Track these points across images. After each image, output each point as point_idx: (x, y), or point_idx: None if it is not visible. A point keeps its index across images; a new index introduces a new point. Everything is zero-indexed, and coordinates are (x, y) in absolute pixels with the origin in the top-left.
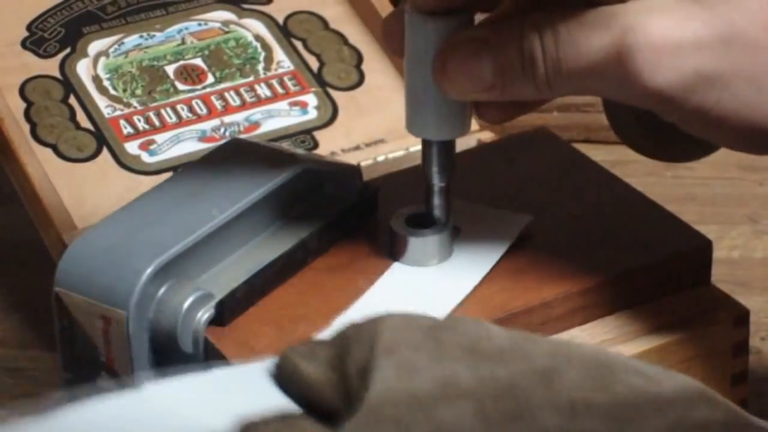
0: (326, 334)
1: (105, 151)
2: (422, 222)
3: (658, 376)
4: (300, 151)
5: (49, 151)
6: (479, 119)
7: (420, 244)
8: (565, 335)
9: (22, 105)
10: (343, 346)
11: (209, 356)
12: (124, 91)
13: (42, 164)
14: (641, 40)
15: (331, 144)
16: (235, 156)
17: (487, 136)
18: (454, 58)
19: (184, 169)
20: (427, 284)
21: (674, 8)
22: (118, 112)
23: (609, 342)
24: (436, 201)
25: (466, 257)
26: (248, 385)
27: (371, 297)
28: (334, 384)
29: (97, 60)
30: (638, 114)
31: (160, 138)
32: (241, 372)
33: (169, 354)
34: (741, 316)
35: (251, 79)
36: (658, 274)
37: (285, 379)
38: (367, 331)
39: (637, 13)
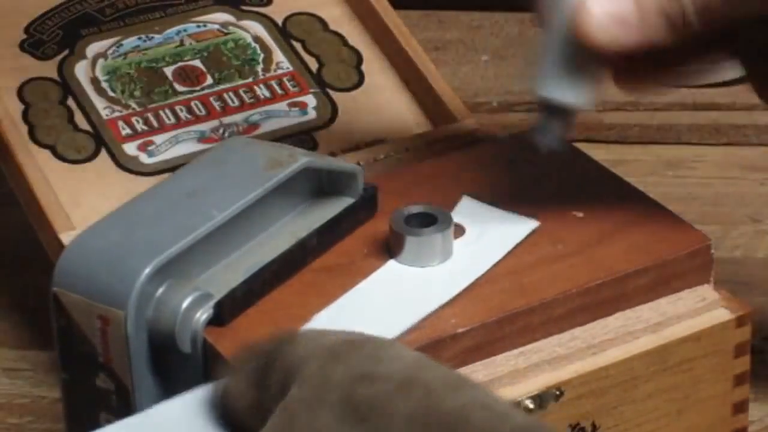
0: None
1: (103, 153)
2: (422, 221)
3: None
4: (300, 150)
5: (47, 153)
6: (617, 85)
7: (420, 243)
8: (566, 335)
9: (20, 107)
10: (263, 364)
11: (208, 357)
12: (123, 92)
13: (40, 166)
14: None
15: (330, 144)
16: (233, 155)
17: (488, 136)
18: (597, 4)
19: (182, 168)
20: (418, 283)
21: None
22: (116, 114)
23: (609, 342)
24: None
25: (465, 258)
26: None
27: (357, 292)
28: (256, 404)
29: (95, 62)
30: None
31: (158, 139)
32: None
33: (168, 354)
34: (743, 316)
35: (250, 80)
36: (659, 273)
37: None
38: (284, 352)
39: None
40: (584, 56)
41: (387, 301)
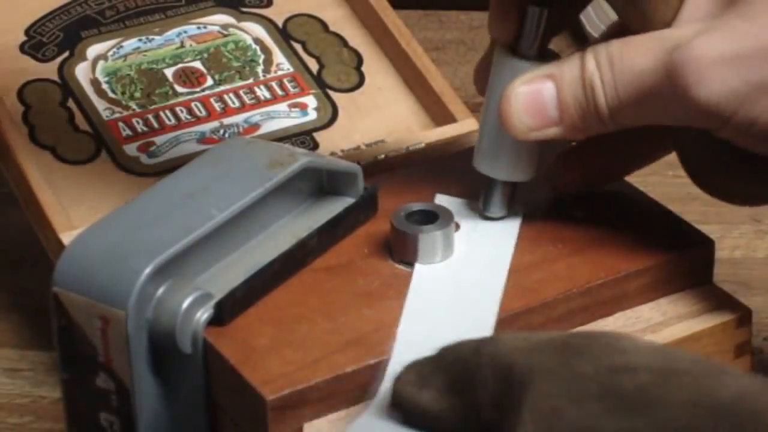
0: (412, 355)
1: (104, 153)
2: (424, 219)
3: None
4: (300, 150)
5: (47, 154)
6: (556, 188)
7: (423, 240)
8: None
9: (21, 108)
10: (459, 371)
11: (208, 356)
12: (123, 94)
13: (40, 166)
14: (687, 55)
15: (330, 145)
16: (234, 155)
17: None
18: (519, 92)
19: (182, 168)
20: (458, 281)
21: (718, 25)
22: (116, 115)
23: None
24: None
25: (481, 251)
26: None
27: (414, 307)
28: (460, 411)
29: (95, 63)
30: (713, 155)
31: (159, 140)
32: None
33: (168, 354)
34: (743, 317)
35: (250, 81)
36: (660, 273)
37: (405, 413)
38: (490, 353)
39: (683, 33)
40: (514, 140)
41: (447, 307)
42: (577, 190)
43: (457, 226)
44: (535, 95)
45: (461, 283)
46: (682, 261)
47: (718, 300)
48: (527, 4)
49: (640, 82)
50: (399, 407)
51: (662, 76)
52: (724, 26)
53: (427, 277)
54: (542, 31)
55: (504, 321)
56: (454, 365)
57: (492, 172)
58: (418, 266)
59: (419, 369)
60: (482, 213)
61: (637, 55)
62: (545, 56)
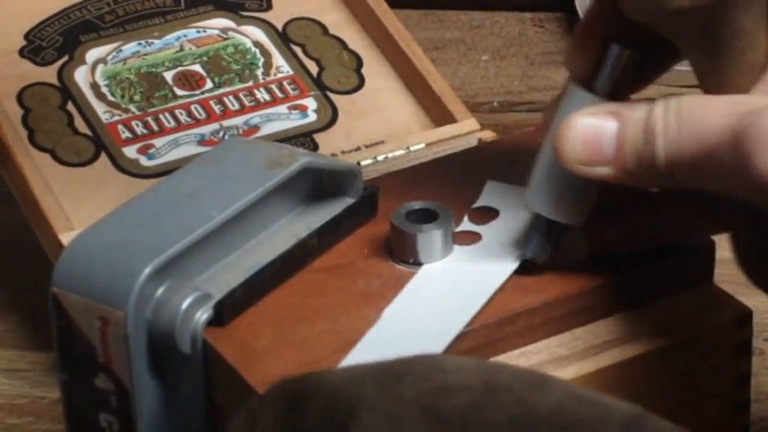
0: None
1: (103, 156)
2: (423, 218)
3: None
4: (300, 150)
5: (47, 156)
6: (587, 239)
7: (422, 239)
8: (567, 336)
9: (20, 112)
10: (286, 408)
11: (208, 357)
12: (122, 97)
13: (40, 169)
14: (757, 122)
15: (330, 146)
16: (233, 155)
17: (488, 135)
18: (579, 123)
19: (182, 168)
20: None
21: None
22: (116, 118)
23: (611, 343)
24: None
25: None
26: None
27: (403, 302)
28: None
29: (95, 67)
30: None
31: (158, 142)
32: None
33: (168, 355)
34: (744, 317)
35: (250, 84)
36: (661, 274)
37: None
38: (314, 386)
39: (760, 102)
40: (571, 176)
41: (431, 307)
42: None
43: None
44: (595, 128)
45: (448, 287)
46: (683, 261)
47: (719, 300)
48: (611, 41)
49: (704, 138)
50: None
51: (728, 139)
52: None
53: (420, 279)
54: (620, 72)
55: (505, 321)
56: (279, 401)
57: (545, 210)
58: (415, 266)
59: (249, 409)
60: (525, 257)
61: (707, 112)
62: (620, 99)
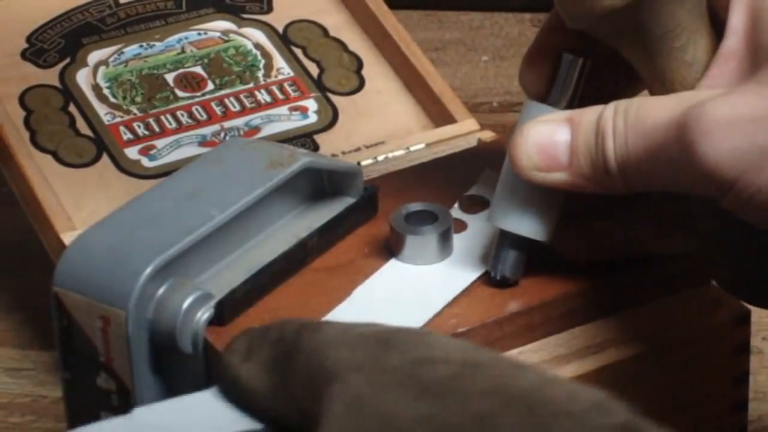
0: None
1: (105, 157)
2: (422, 220)
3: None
4: (300, 150)
5: (49, 157)
6: (559, 252)
7: (419, 241)
8: (566, 335)
9: (22, 113)
10: (282, 352)
11: (209, 356)
12: (124, 98)
13: (42, 170)
14: (699, 113)
15: (331, 147)
16: (234, 155)
17: (488, 135)
18: (533, 131)
19: (182, 168)
20: (422, 281)
21: (736, 90)
22: (117, 119)
23: (610, 342)
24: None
25: (466, 256)
26: (203, 415)
27: (361, 293)
28: (275, 391)
29: (96, 69)
30: (736, 258)
31: (159, 143)
32: (192, 402)
33: (169, 354)
34: (742, 316)
35: (251, 85)
36: (659, 273)
37: (225, 386)
38: (308, 340)
39: (703, 95)
40: (531, 188)
41: (392, 302)
42: (583, 259)
43: (464, 226)
44: (549, 135)
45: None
46: (682, 261)
47: (717, 300)
48: (564, 51)
49: (652, 136)
50: (221, 378)
51: (673, 132)
52: (741, 91)
53: (392, 274)
54: (574, 81)
55: (504, 320)
56: (277, 343)
57: (510, 225)
58: (392, 261)
59: (250, 339)
60: (491, 273)
61: (654, 109)
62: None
